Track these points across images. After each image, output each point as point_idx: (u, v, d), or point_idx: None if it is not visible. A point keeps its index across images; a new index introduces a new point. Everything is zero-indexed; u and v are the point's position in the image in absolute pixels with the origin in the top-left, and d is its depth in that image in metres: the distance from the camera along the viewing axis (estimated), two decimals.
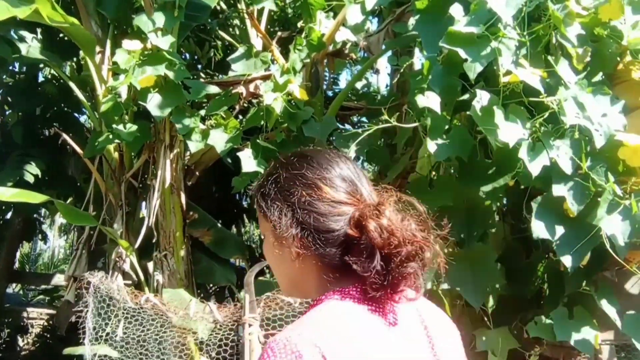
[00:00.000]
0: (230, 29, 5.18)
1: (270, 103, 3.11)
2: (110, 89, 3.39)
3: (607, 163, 2.15)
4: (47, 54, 4.18)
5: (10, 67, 5.24)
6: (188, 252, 3.76)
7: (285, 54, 3.63)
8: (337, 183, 0.88)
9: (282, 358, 0.74)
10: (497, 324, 2.62)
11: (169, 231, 3.71)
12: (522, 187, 2.46)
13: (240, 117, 3.98)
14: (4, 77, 5.29)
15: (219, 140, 3.29)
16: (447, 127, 2.39)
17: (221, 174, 4.78)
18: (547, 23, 2.24)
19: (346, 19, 3.32)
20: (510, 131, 2.13)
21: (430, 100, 2.29)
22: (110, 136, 3.43)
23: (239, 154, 3.25)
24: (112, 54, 3.76)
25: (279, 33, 4.54)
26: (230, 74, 3.61)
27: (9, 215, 5.91)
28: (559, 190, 2.16)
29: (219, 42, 5.39)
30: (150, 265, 3.80)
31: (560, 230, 2.22)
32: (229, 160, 4.40)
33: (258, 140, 3.27)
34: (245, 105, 3.85)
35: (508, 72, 2.13)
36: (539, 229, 2.22)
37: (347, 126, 4.94)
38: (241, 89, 3.60)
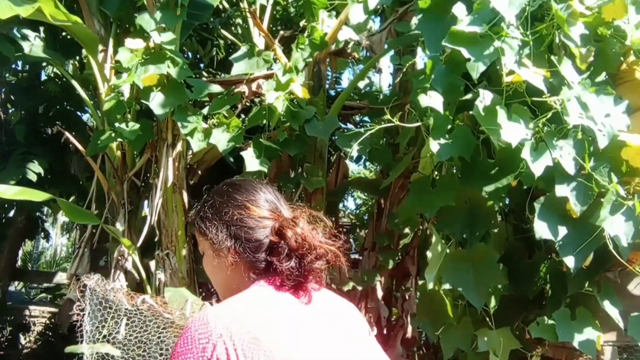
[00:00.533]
0: (233, 28, 5.18)
1: (273, 102, 3.11)
2: (113, 88, 3.39)
3: (610, 163, 2.14)
4: (50, 53, 4.18)
5: (13, 66, 5.23)
6: (190, 251, 3.76)
7: (288, 53, 3.63)
8: (261, 203, 1.11)
9: (195, 323, 0.95)
10: (499, 325, 2.61)
11: (171, 230, 3.71)
12: (525, 187, 2.46)
13: (243, 116, 3.97)
14: (7, 75, 5.30)
15: (221, 139, 3.29)
16: (449, 126, 2.38)
17: (223, 173, 4.77)
18: (550, 23, 2.23)
19: (349, 18, 3.32)
20: (513, 131, 2.12)
21: (432, 99, 2.29)
22: (113, 135, 3.43)
23: (242, 153, 3.25)
24: (115, 52, 3.76)
25: (282, 32, 4.53)
26: (233, 73, 3.61)
27: (11, 214, 5.91)
28: (561, 190, 2.16)
29: (222, 41, 5.38)
30: (153, 264, 3.80)
31: (563, 230, 2.21)
32: (232, 159, 4.39)
33: (260, 140, 3.27)
34: (248, 104, 3.84)
35: (511, 72, 2.13)
36: (541, 229, 2.21)
37: (350, 125, 4.93)
38: (243, 88, 3.60)
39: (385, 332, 3.78)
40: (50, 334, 6.28)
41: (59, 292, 7.72)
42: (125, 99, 3.42)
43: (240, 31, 5.12)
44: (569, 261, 2.17)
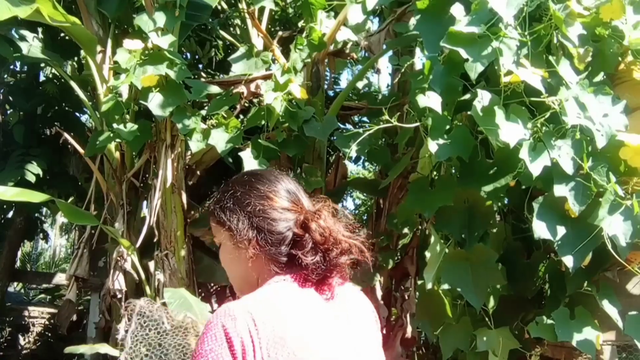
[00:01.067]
0: (231, 29, 5.18)
1: (271, 103, 3.11)
2: (111, 89, 3.39)
3: (608, 163, 2.15)
4: (48, 53, 4.17)
5: (12, 67, 5.23)
6: (189, 252, 3.76)
7: (286, 53, 3.63)
8: (283, 194, 1.09)
9: (221, 319, 0.93)
10: (497, 324, 2.61)
11: (170, 230, 3.71)
12: (523, 187, 2.46)
13: (241, 116, 3.97)
14: (5, 76, 5.29)
15: (220, 140, 3.28)
16: (448, 127, 2.38)
17: (222, 174, 4.78)
18: (548, 23, 2.23)
19: (347, 19, 3.32)
20: (511, 131, 2.12)
21: (431, 100, 2.29)
22: (111, 135, 3.42)
23: (240, 153, 3.25)
24: (113, 53, 3.76)
25: (280, 33, 4.53)
26: (231, 73, 3.60)
27: (10, 215, 5.90)
28: (560, 190, 2.16)
29: (220, 42, 5.38)
30: (152, 265, 3.80)
31: (561, 230, 2.21)
32: (230, 160, 4.39)
33: (259, 140, 3.27)
34: (246, 105, 3.84)
35: (509, 72, 2.13)
36: (540, 229, 2.21)
37: (348, 126, 4.93)
38: (242, 89, 3.60)
39: (384, 332, 3.78)
40: (49, 334, 6.29)
41: (58, 293, 7.72)
42: (124, 99, 3.42)
43: (238, 32, 5.12)
44: (568, 261, 2.17)
